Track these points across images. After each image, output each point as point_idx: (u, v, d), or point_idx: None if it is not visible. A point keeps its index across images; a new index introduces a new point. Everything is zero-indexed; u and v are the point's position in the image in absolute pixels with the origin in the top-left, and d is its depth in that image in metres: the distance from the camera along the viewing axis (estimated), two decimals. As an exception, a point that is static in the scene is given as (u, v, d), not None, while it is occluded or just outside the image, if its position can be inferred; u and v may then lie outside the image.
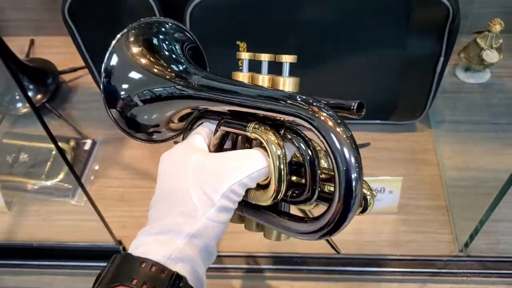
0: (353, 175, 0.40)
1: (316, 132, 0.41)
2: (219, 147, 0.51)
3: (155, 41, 0.54)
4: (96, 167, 1.04)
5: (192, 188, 0.45)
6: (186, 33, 0.58)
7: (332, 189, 0.45)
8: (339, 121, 0.41)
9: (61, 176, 1.02)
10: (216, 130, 0.50)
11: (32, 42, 1.30)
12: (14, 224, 0.97)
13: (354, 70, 0.93)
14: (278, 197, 0.46)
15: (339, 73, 0.94)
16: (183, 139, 0.56)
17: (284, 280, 0.88)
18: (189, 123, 0.55)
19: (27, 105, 1.11)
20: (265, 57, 0.49)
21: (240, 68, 0.51)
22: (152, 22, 0.55)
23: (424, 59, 0.90)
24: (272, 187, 0.46)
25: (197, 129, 0.52)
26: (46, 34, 1.29)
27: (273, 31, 0.88)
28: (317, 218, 0.45)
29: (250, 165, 0.45)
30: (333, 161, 0.41)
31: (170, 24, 0.56)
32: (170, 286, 0.41)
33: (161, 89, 0.52)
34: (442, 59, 0.89)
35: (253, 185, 0.47)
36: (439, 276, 0.87)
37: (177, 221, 0.44)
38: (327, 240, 0.91)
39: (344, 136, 0.40)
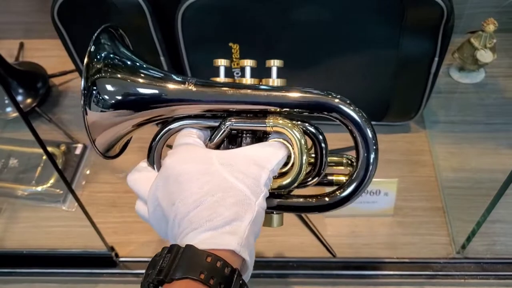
0: (372, 156, 0.50)
1: (343, 119, 0.49)
2: (217, 148, 0.52)
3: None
4: (87, 172, 1.03)
5: (236, 180, 0.46)
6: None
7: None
8: (357, 108, 0.50)
9: (51, 181, 1.00)
10: (220, 130, 0.51)
11: (21, 45, 1.28)
12: (3, 231, 0.95)
13: (348, 71, 0.92)
14: (298, 181, 0.51)
15: (332, 74, 0.93)
16: (149, 157, 0.55)
17: (279, 284, 0.87)
18: (156, 136, 0.54)
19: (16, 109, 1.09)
20: (247, 63, 0.52)
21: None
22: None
23: (419, 60, 0.89)
24: (294, 172, 0.50)
25: (186, 134, 0.52)
26: (36, 37, 1.28)
27: (266, 32, 0.87)
28: (323, 196, 0.53)
29: (277, 154, 0.49)
30: (360, 144, 0.49)
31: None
32: (233, 283, 0.42)
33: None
34: (436, 59, 0.88)
35: (276, 173, 0.50)
36: (436, 279, 0.86)
37: (236, 210, 0.44)
38: (323, 243, 0.90)
39: (367, 121, 0.49)
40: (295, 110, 0.50)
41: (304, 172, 0.50)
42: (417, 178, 0.98)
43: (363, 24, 0.85)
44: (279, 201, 0.53)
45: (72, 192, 0.80)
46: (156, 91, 0.50)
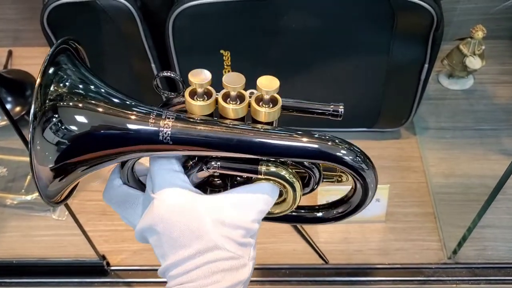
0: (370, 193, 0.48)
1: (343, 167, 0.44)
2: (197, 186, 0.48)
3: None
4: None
5: (226, 243, 0.44)
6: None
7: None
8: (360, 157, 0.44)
9: (41, 190, 0.99)
10: (202, 172, 0.46)
11: (10, 53, 1.27)
12: (-8, 240, 0.94)
13: (338, 78, 0.93)
14: (288, 212, 0.49)
15: (324, 81, 0.94)
16: (122, 177, 0.49)
17: (272, 292, 0.87)
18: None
19: (5, 117, 1.08)
20: (234, 90, 0.42)
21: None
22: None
23: (409, 66, 0.90)
24: (286, 207, 0.48)
25: (164, 162, 0.46)
26: (25, 44, 1.27)
27: (257, 40, 0.87)
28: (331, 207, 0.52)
29: (268, 200, 0.46)
30: (361, 187, 0.46)
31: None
32: None
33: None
34: (426, 66, 0.89)
35: None
36: (428, 284, 0.86)
37: (231, 276, 0.44)
38: (315, 250, 0.90)
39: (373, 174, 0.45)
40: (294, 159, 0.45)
41: (296, 206, 0.48)
42: (408, 184, 0.98)
43: (354, 31, 0.85)
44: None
45: (63, 201, 0.79)
46: (121, 137, 0.42)
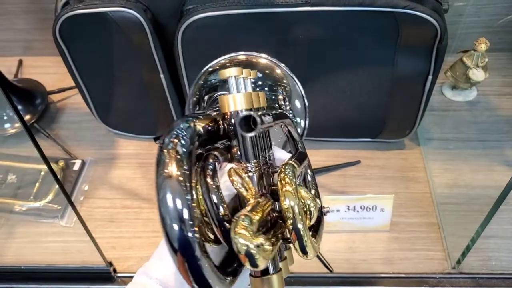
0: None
1: None
2: None
3: None
4: (86, 188, 1.03)
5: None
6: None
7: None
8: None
9: (50, 197, 1.00)
10: None
11: (20, 63, 1.29)
12: (1, 246, 0.95)
13: (344, 89, 0.94)
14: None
15: (329, 92, 0.95)
16: None
17: (277, 300, 0.87)
18: None
19: (15, 125, 1.10)
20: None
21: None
22: None
23: (413, 78, 0.91)
24: None
25: None
26: (35, 54, 1.29)
27: (264, 51, 0.89)
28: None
29: None
30: None
31: None
32: None
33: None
34: (430, 77, 0.90)
35: None
36: (432, 294, 0.87)
37: (152, 264, 0.44)
38: (320, 259, 0.90)
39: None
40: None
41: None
42: (412, 194, 0.99)
43: (359, 43, 0.87)
44: None
45: (72, 206, 0.80)
46: None
